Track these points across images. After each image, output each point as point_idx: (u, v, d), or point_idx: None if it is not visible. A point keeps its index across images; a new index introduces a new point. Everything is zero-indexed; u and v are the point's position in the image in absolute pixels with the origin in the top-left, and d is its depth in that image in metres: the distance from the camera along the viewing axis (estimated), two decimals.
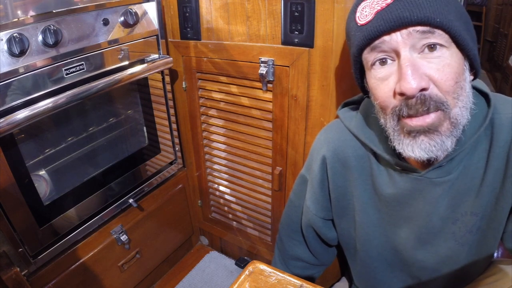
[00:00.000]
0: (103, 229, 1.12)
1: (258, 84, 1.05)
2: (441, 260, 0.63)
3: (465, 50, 0.52)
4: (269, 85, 1.03)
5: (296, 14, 0.89)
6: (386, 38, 0.51)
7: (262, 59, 0.99)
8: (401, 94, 0.51)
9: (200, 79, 1.19)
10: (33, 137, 0.91)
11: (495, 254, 0.63)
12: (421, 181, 0.60)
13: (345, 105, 0.75)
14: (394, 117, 0.54)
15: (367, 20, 0.52)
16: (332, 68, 0.90)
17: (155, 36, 1.10)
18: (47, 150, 0.96)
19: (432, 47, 0.50)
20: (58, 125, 0.96)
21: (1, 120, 0.74)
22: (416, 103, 0.51)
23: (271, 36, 0.97)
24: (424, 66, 0.50)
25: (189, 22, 1.10)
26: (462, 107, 0.52)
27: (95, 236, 1.09)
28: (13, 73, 0.78)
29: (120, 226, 1.17)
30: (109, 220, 1.14)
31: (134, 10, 1.00)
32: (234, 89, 1.12)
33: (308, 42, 0.90)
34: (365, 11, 0.53)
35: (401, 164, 0.60)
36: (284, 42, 0.95)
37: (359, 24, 0.54)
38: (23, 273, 0.90)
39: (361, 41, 0.54)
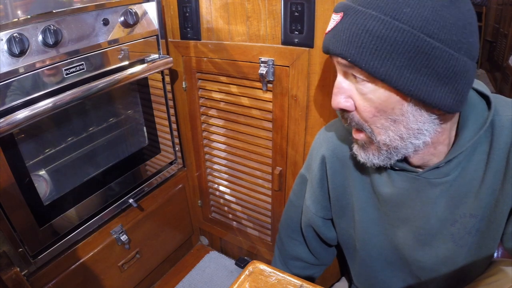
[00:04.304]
0: (103, 229, 1.12)
1: (258, 84, 1.05)
2: (440, 261, 0.63)
3: (398, 90, 0.48)
4: (269, 85, 1.03)
5: (296, 14, 0.89)
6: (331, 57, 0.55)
7: (262, 59, 0.99)
8: None
9: (200, 79, 1.19)
10: (33, 137, 0.91)
11: (495, 254, 0.63)
12: (419, 181, 0.60)
13: None
14: None
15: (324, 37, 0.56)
16: (332, 68, 0.90)
17: (155, 36, 1.10)
18: (47, 150, 0.96)
19: (355, 77, 0.52)
20: (58, 125, 0.96)
21: (1, 120, 0.74)
22: (343, 117, 0.58)
23: (271, 36, 0.97)
24: (351, 90, 0.53)
25: (189, 22, 1.10)
26: (394, 136, 0.53)
27: (95, 236, 1.09)
28: (13, 73, 0.78)
29: (120, 226, 1.17)
30: (109, 220, 1.14)
31: (134, 10, 1.00)
32: (234, 89, 1.12)
33: (308, 42, 0.91)
34: (327, 27, 0.55)
35: (398, 164, 0.60)
36: (284, 42, 0.95)
37: None
38: (23, 273, 0.90)
39: None
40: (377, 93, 0.50)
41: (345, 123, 0.59)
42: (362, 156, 0.60)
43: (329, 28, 0.53)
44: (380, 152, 0.56)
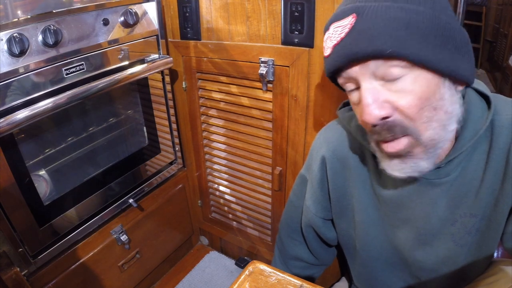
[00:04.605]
0: (103, 229, 1.12)
1: (258, 84, 1.05)
2: (440, 261, 0.63)
3: (435, 70, 0.48)
4: (269, 85, 1.03)
5: (296, 14, 0.89)
6: (347, 69, 0.52)
7: (262, 59, 0.99)
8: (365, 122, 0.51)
9: (200, 79, 1.19)
10: (33, 137, 0.91)
11: (495, 254, 0.63)
12: (420, 182, 0.60)
13: (345, 105, 0.74)
14: (372, 140, 0.57)
15: (327, 54, 0.53)
16: None
17: (155, 36, 1.10)
18: (47, 150, 0.96)
19: (385, 77, 0.49)
20: (58, 125, 0.96)
21: (1, 120, 0.74)
22: (381, 130, 0.51)
23: (271, 36, 0.97)
24: (385, 94, 0.49)
25: (189, 22, 1.10)
26: (437, 127, 0.51)
27: (95, 236, 1.09)
28: (13, 73, 0.78)
29: (120, 226, 1.17)
30: (109, 220, 1.14)
31: (134, 10, 1.00)
32: (234, 89, 1.12)
33: (308, 42, 0.91)
34: (327, 44, 0.53)
35: None
36: (284, 42, 0.95)
37: (324, 56, 0.55)
38: (23, 273, 0.90)
39: (327, 72, 0.56)
40: (417, 81, 0.48)
41: (378, 138, 0.53)
42: (410, 168, 0.54)
43: (340, 36, 0.50)
44: (428, 152, 0.53)
